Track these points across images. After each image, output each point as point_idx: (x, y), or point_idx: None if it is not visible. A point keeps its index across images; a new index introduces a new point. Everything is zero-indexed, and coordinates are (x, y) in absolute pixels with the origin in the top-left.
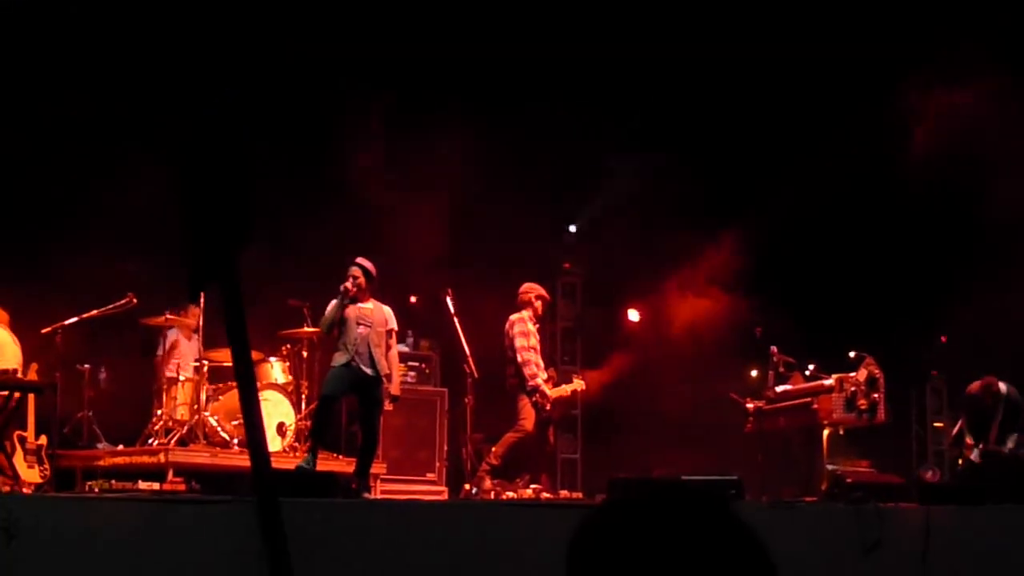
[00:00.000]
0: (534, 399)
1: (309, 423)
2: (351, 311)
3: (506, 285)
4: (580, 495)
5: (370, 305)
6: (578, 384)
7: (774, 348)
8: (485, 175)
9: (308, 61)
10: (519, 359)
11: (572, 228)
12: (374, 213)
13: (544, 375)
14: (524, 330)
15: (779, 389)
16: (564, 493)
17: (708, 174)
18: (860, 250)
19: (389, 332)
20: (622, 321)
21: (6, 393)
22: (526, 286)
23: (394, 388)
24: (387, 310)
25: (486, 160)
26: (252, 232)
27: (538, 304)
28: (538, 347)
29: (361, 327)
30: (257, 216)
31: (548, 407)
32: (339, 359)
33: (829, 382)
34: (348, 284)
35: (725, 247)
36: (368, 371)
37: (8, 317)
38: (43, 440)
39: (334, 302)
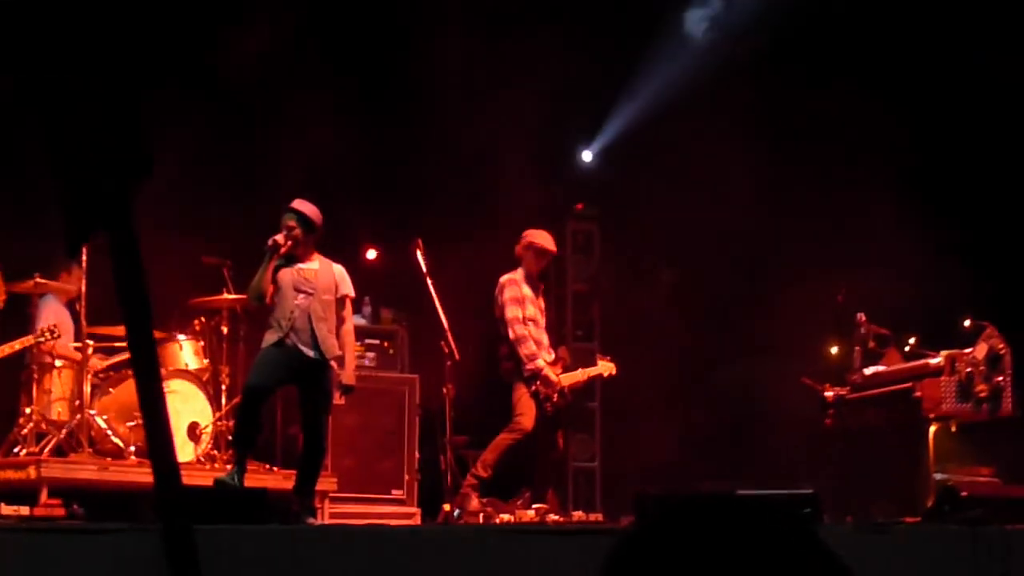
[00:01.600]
0: (534, 388)
1: (232, 423)
2: (286, 274)
3: (497, 232)
4: (599, 517)
5: (314, 264)
6: (604, 367)
7: (862, 316)
8: (464, 72)
9: None
10: (511, 335)
11: (586, 154)
12: (313, 137)
13: (550, 355)
14: (516, 295)
15: (869, 371)
16: (578, 515)
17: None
18: (977, 182)
19: (341, 300)
20: (654, 281)
21: None
22: (529, 233)
23: (347, 376)
24: (338, 270)
25: (467, 49)
26: (151, 164)
27: (534, 259)
28: (539, 318)
29: (301, 295)
30: (158, 142)
31: (555, 398)
32: (271, 337)
33: (936, 361)
34: (279, 237)
35: (798, 175)
36: (310, 353)
37: None
38: None
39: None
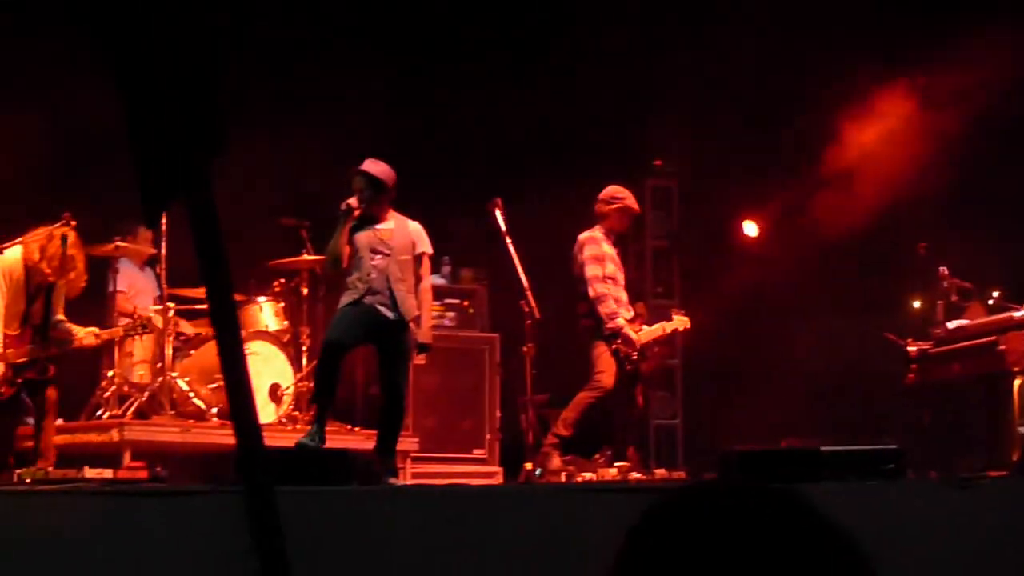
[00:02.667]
0: (615, 346)
1: (312, 384)
2: (363, 236)
3: (576, 190)
4: (683, 474)
5: (390, 224)
6: (679, 322)
7: (944, 269)
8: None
9: None
10: (591, 293)
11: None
12: (386, 101)
13: (629, 313)
14: (597, 253)
15: (952, 325)
16: (660, 472)
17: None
18: None
19: (418, 259)
20: (735, 237)
21: None
22: (611, 190)
23: (424, 334)
24: (415, 228)
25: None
26: (227, 131)
27: (617, 217)
28: (619, 276)
29: (377, 256)
30: (236, 110)
31: (635, 356)
32: (348, 299)
33: (1021, 314)
34: (352, 200)
35: (874, 126)
36: (389, 313)
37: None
38: None
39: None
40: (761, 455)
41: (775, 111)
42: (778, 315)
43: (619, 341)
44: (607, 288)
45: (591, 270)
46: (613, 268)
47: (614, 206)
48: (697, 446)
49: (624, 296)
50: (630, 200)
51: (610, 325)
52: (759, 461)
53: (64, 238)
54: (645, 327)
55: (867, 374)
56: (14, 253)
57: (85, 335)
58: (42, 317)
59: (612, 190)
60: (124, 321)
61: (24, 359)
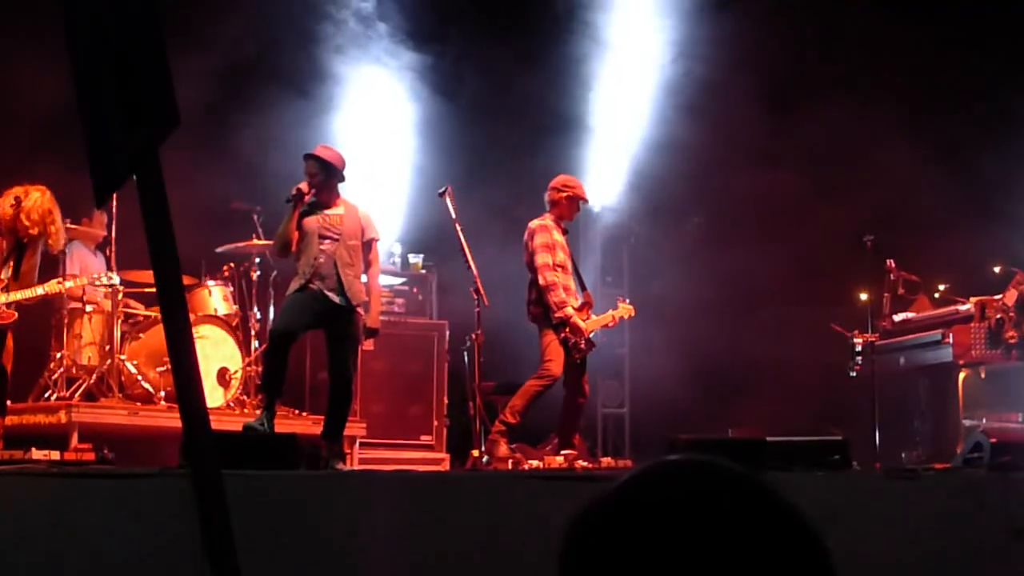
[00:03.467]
0: (563, 334)
1: (261, 369)
2: (312, 221)
3: (527, 177)
4: (629, 463)
5: (339, 210)
6: (625, 310)
7: (891, 262)
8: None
9: None
10: (541, 281)
11: None
12: (337, 82)
13: (577, 301)
14: (547, 241)
15: (898, 318)
16: (607, 461)
17: None
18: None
19: (367, 244)
20: (682, 226)
21: None
22: (561, 179)
23: (372, 319)
24: (364, 214)
25: None
26: (177, 113)
27: (567, 205)
28: (568, 263)
29: (326, 241)
30: (183, 89)
31: (583, 345)
32: (296, 284)
33: (967, 307)
34: (302, 185)
35: (826, 122)
36: (336, 298)
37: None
38: None
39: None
40: (707, 444)
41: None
42: (727, 306)
43: (567, 329)
44: (557, 276)
45: (541, 258)
46: (563, 256)
47: (565, 194)
48: (644, 435)
49: (573, 284)
50: (580, 189)
51: (559, 314)
52: (705, 450)
53: (40, 194)
54: (593, 315)
55: (814, 365)
56: None
57: (50, 284)
58: (23, 270)
59: (563, 179)
60: (74, 305)
61: None
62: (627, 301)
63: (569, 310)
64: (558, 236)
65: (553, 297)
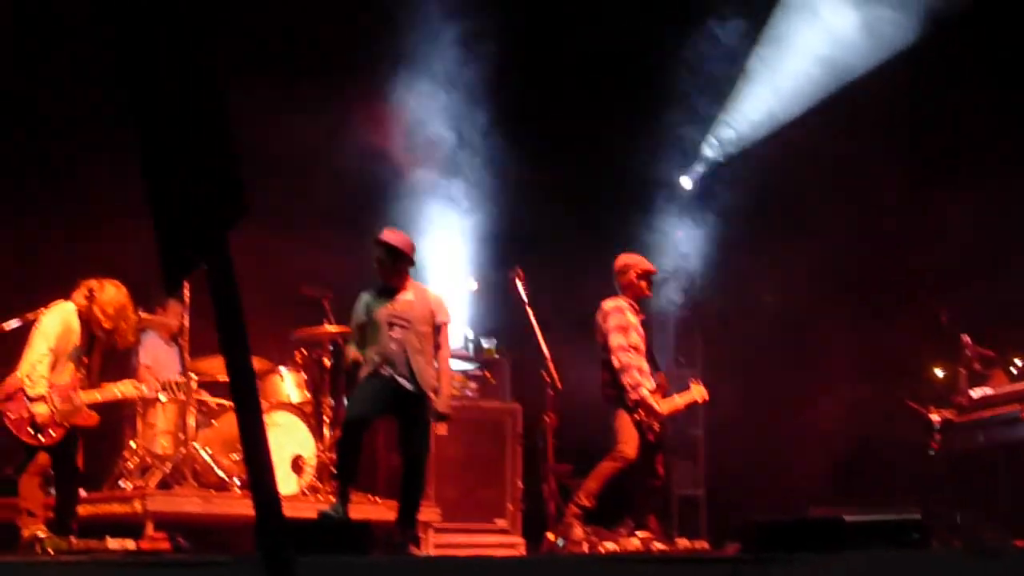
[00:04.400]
0: (637, 416)
1: (334, 455)
2: (381, 310)
3: (596, 256)
4: (705, 544)
5: (408, 295)
6: (697, 392)
7: (967, 337)
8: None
9: None
10: (616, 363)
11: (685, 180)
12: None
13: (651, 383)
14: (622, 322)
15: (976, 394)
16: (683, 543)
17: None
18: None
19: (438, 328)
20: (757, 304)
21: None
22: (623, 259)
23: (442, 404)
24: (434, 297)
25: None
26: (247, 197)
27: (641, 283)
28: (642, 344)
29: (396, 328)
30: (255, 175)
31: (656, 427)
32: (367, 370)
33: None
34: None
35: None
36: (407, 385)
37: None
38: None
39: (363, 295)
40: (784, 525)
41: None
42: (801, 383)
43: (642, 411)
44: (631, 358)
45: (615, 339)
46: (636, 338)
47: (630, 274)
48: (720, 516)
49: (646, 366)
50: (642, 263)
51: (634, 396)
52: (782, 531)
53: (115, 288)
54: (676, 396)
55: (890, 442)
56: (68, 304)
57: (124, 385)
58: (92, 366)
59: (623, 259)
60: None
61: (70, 406)
62: (700, 383)
63: (644, 392)
64: (632, 317)
65: (628, 379)
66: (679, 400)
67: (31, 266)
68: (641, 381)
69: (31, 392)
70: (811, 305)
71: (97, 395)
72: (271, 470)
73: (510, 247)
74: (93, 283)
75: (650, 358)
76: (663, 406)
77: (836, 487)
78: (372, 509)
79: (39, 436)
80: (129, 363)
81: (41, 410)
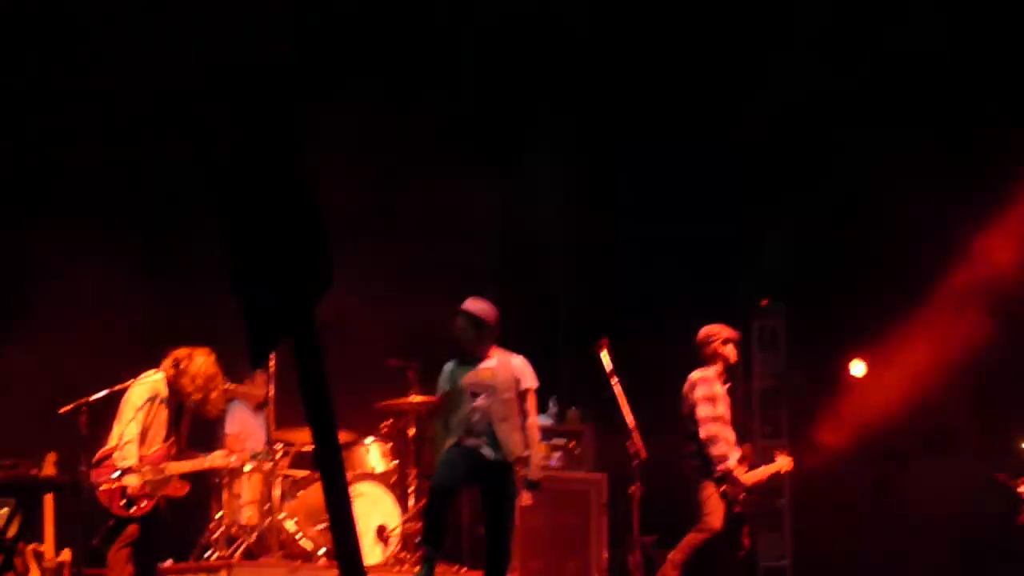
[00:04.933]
0: (723, 488)
1: (419, 525)
2: (465, 378)
3: (681, 329)
4: None
5: (492, 363)
6: (783, 463)
7: None
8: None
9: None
10: (703, 434)
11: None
12: (498, 239)
13: (736, 454)
14: (709, 393)
15: None
16: None
17: None
18: None
19: (523, 395)
20: (841, 377)
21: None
22: (707, 331)
23: (533, 471)
24: (518, 364)
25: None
26: (332, 271)
27: (729, 352)
28: (728, 415)
29: (480, 397)
30: (339, 251)
31: (742, 497)
32: (451, 440)
33: None
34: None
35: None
36: (491, 454)
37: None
38: (66, 555)
39: (448, 364)
40: None
41: (881, 246)
42: (888, 455)
43: (728, 483)
44: (719, 429)
45: (703, 410)
46: (723, 408)
47: (715, 344)
48: None
49: (732, 436)
50: (724, 331)
51: (721, 467)
52: None
53: (204, 357)
54: (761, 467)
55: (980, 516)
56: (156, 374)
57: (215, 455)
58: (180, 436)
59: (706, 330)
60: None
61: (161, 476)
62: (786, 452)
63: (731, 463)
64: (719, 388)
65: (715, 450)
66: (764, 471)
67: (120, 334)
68: (728, 452)
69: (121, 464)
70: (895, 374)
71: (188, 465)
72: (357, 540)
73: (596, 317)
74: (182, 352)
75: (735, 428)
76: (748, 477)
77: (924, 560)
78: None
79: (131, 508)
80: (215, 433)
81: (132, 481)
